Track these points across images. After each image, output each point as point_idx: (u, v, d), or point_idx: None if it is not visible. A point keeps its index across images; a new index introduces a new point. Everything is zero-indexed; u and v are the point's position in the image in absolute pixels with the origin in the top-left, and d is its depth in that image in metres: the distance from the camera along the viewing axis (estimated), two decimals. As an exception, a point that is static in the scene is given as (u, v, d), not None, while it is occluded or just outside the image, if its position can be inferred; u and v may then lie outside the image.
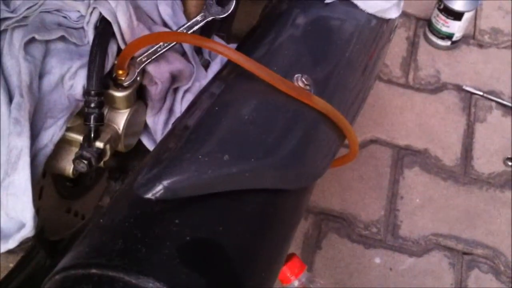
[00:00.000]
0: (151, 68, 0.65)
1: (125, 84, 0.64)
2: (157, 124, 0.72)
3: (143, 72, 0.66)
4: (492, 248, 1.17)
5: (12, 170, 0.56)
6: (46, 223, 0.76)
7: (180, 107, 0.73)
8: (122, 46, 0.62)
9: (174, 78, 0.69)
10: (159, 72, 0.66)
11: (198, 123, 0.51)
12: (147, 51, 0.65)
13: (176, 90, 0.73)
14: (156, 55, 0.65)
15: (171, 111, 0.73)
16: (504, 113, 1.37)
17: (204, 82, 0.73)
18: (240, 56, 0.53)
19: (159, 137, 0.73)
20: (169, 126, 0.72)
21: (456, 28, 1.41)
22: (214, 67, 0.75)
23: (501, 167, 1.28)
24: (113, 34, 0.62)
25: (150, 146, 0.76)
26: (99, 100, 0.61)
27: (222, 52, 0.54)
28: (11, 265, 0.79)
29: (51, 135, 0.59)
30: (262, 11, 0.81)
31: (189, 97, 0.72)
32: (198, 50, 0.77)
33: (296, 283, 0.62)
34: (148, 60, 0.64)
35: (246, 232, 0.48)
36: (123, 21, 0.61)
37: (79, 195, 0.87)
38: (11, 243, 0.57)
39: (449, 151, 1.30)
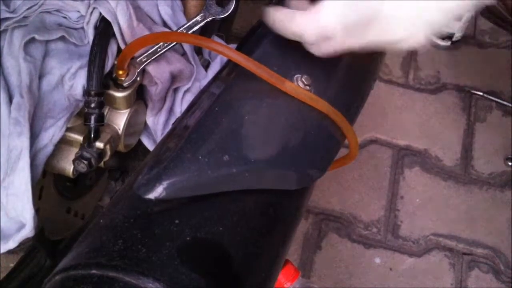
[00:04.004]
0: (151, 68, 0.65)
1: (125, 84, 0.64)
2: (157, 124, 0.72)
3: (143, 72, 0.66)
4: (492, 248, 1.17)
5: (12, 170, 0.56)
6: (46, 223, 0.76)
7: (180, 108, 0.73)
8: (122, 46, 0.62)
9: (174, 78, 0.69)
10: (159, 72, 0.66)
11: (198, 123, 0.51)
12: (147, 51, 0.65)
13: (176, 90, 0.73)
14: (156, 55, 0.65)
15: (171, 111, 0.73)
16: (504, 113, 1.37)
17: (204, 82, 0.73)
18: (240, 56, 0.53)
19: (159, 137, 0.73)
20: (169, 126, 0.72)
21: (456, 28, 1.41)
22: (214, 67, 0.75)
23: (501, 167, 1.28)
24: (113, 34, 0.62)
25: (150, 146, 0.75)
26: (99, 100, 0.61)
27: (222, 52, 0.54)
28: (11, 265, 0.79)
29: (51, 135, 0.59)
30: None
31: (189, 97, 0.72)
32: (198, 50, 0.77)
33: (291, 289, 0.62)
34: (148, 61, 0.64)
35: (246, 232, 0.48)
36: (123, 21, 0.61)
37: (79, 195, 0.87)
38: (11, 244, 0.57)
39: (449, 151, 1.30)
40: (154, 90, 0.68)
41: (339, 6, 0.46)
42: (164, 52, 0.65)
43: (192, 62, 0.71)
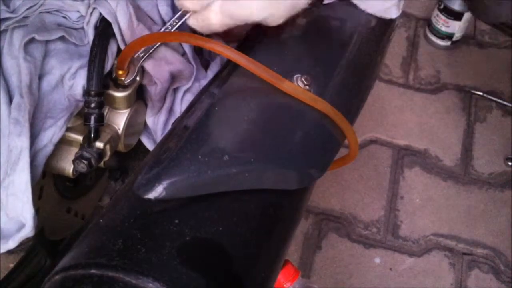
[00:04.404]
0: (150, 68, 0.65)
1: (126, 82, 0.64)
2: (157, 124, 0.72)
3: (143, 72, 0.66)
4: (492, 248, 1.17)
5: (12, 170, 0.56)
6: (46, 223, 0.76)
7: (180, 108, 0.73)
8: (122, 47, 0.62)
9: (174, 78, 0.69)
10: (158, 72, 0.66)
11: (198, 123, 0.51)
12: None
13: (176, 90, 0.73)
14: (153, 49, 0.64)
15: (171, 111, 0.73)
16: (504, 113, 1.37)
17: (204, 82, 0.73)
18: (239, 56, 0.53)
19: (159, 137, 0.73)
20: (169, 126, 0.72)
21: (456, 28, 1.41)
22: (214, 67, 0.75)
23: (501, 167, 1.28)
24: (113, 35, 0.62)
25: (150, 146, 0.76)
26: (99, 100, 0.61)
27: (222, 52, 0.54)
28: (11, 265, 0.79)
29: (51, 135, 0.59)
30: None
31: (189, 97, 0.72)
32: (198, 50, 0.77)
33: (290, 289, 0.62)
34: (146, 55, 0.64)
35: (246, 232, 0.48)
36: (123, 21, 0.61)
37: (79, 195, 0.87)
38: (11, 243, 0.57)
39: (449, 151, 1.30)
40: (154, 90, 0.68)
41: (218, 15, 0.59)
42: (162, 49, 0.65)
43: (192, 62, 0.71)
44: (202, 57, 0.77)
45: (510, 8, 0.57)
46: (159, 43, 0.65)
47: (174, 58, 0.68)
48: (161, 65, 0.66)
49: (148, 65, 0.65)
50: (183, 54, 0.71)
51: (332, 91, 0.59)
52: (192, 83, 0.72)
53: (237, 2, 0.58)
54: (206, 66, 0.76)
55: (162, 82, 0.67)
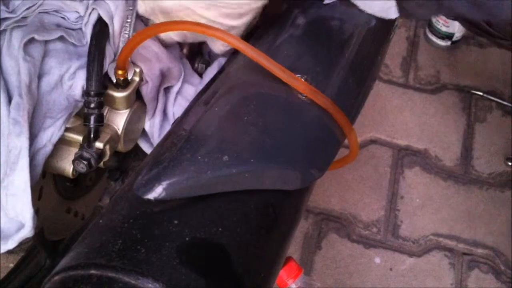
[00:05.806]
0: (142, 66, 0.65)
1: (129, 79, 0.64)
2: (153, 127, 0.72)
3: (142, 72, 0.66)
4: (492, 248, 1.17)
5: (11, 170, 0.56)
6: (46, 223, 0.76)
7: (172, 110, 0.72)
8: (112, 48, 0.62)
9: (164, 77, 0.69)
10: (150, 69, 0.65)
11: (197, 123, 0.51)
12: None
13: (167, 91, 0.72)
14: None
15: (165, 113, 0.73)
16: (504, 113, 1.37)
17: (200, 87, 0.73)
18: (243, 44, 0.52)
19: (155, 140, 0.73)
20: (165, 128, 0.72)
21: (456, 28, 1.40)
22: (211, 71, 0.75)
23: (501, 167, 1.28)
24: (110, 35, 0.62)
25: (147, 150, 0.75)
26: (99, 100, 0.61)
27: (225, 39, 0.53)
28: (11, 265, 0.79)
29: (50, 135, 0.59)
30: (262, 11, 0.80)
31: (181, 101, 0.72)
32: (198, 52, 0.77)
33: (293, 286, 0.62)
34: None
35: (246, 233, 0.48)
36: (117, 23, 0.61)
37: (79, 195, 0.87)
38: (11, 244, 0.57)
39: (449, 151, 1.30)
40: (146, 89, 0.68)
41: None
42: (151, 44, 0.65)
43: (179, 62, 0.71)
44: (202, 57, 0.77)
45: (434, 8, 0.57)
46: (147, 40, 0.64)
47: (164, 56, 0.67)
48: (152, 62, 0.66)
49: (140, 63, 0.65)
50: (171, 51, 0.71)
51: (332, 91, 0.59)
52: (182, 85, 0.72)
53: None
54: (206, 67, 0.76)
55: (153, 80, 0.67)
